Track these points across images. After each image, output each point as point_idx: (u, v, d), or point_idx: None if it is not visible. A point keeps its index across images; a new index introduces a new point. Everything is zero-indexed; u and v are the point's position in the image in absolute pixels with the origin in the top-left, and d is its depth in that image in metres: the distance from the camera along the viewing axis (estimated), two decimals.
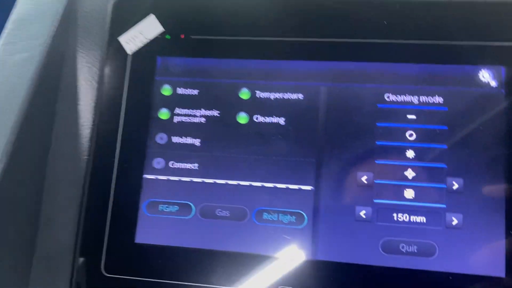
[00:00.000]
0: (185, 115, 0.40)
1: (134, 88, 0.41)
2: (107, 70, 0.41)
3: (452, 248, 0.35)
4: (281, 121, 0.39)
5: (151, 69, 0.41)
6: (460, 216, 0.36)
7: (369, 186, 0.37)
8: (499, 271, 0.35)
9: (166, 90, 0.41)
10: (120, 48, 0.41)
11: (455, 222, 0.36)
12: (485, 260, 0.35)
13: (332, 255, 0.37)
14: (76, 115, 0.41)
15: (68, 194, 0.40)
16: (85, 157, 0.41)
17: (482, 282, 0.35)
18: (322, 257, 0.37)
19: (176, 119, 0.40)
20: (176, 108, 0.40)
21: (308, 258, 0.37)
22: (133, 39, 0.41)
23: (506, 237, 0.35)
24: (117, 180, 0.40)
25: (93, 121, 0.41)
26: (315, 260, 0.37)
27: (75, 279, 0.39)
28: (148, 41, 0.42)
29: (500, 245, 0.35)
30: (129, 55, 0.41)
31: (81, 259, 0.39)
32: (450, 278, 0.35)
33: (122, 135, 0.40)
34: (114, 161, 0.40)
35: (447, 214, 0.36)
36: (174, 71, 0.41)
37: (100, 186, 0.40)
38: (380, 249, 0.36)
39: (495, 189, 0.35)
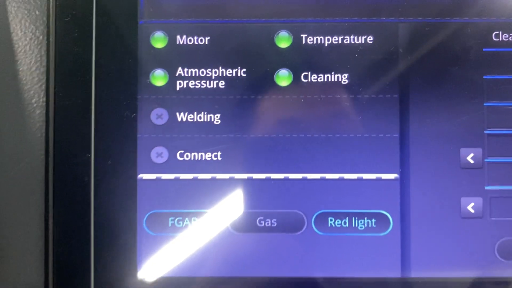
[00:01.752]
0: (192, 77, 0.27)
1: (108, 40, 0.27)
2: (59, 15, 0.27)
3: None
4: (344, 78, 0.27)
5: (131, 8, 0.27)
6: None
7: (478, 167, 0.26)
8: None
9: (159, 40, 0.27)
10: None
11: None
12: None
13: (431, 270, 0.27)
14: (17, 90, 0.27)
15: (23, 216, 0.27)
16: (41, 154, 0.27)
17: None
18: (417, 274, 0.27)
19: (180, 84, 0.27)
20: (178, 68, 0.27)
21: (398, 277, 0.26)
22: None
23: None
24: (97, 187, 0.27)
25: (46, 97, 0.27)
26: (408, 279, 0.27)
27: None
28: None
29: None
30: None
31: None
32: None
33: (97, 116, 0.27)
34: (89, 158, 0.26)
35: None
36: (168, 9, 0.28)
37: (72, 197, 0.27)
38: (497, 254, 0.27)
39: None
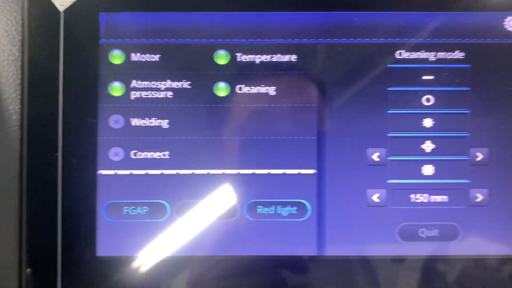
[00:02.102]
0: (145, 89, 0.33)
1: (73, 57, 0.33)
2: (32, 35, 0.32)
3: (477, 228, 0.32)
4: (271, 90, 0.32)
5: (93, 30, 0.32)
6: (486, 191, 0.32)
7: (382, 164, 0.32)
8: None
9: (117, 57, 0.33)
10: (49, 4, 0.32)
11: (479, 198, 0.33)
12: None
13: (342, 249, 0.33)
14: None
15: (0, 205, 0.32)
16: (16, 153, 0.32)
17: (511, 264, 0.32)
18: (331, 252, 0.33)
19: (134, 95, 0.33)
20: (133, 81, 0.33)
21: (314, 255, 0.32)
22: None
23: None
24: (64, 180, 0.32)
25: (21, 105, 0.32)
26: (322, 256, 0.32)
27: None
28: None
29: None
30: (61, 12, 0.32)
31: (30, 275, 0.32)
32: (477, 262, 0.32)
33: (64, 121, 0.32)
34: (56, 156, 0.32)
35: (471, 190, 0.32)
36: (125, 31, 0.33)
37: (42, 189, 0.32)
38: (397, 236, 0.32)
39: None
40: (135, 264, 0.32)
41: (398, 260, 0.32)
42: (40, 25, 0.32)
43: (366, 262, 0.32)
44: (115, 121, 0.33)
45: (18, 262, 0.32)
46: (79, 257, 0.32)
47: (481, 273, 0.32)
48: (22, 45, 0.32)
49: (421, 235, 0.32)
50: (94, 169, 0.32)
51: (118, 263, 0.32)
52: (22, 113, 0.32)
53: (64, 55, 0.32)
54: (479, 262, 0.32)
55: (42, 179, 0.32)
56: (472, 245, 0.32)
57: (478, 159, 0.32)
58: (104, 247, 0.32)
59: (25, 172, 0.32)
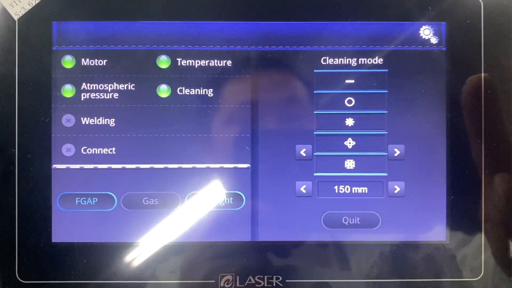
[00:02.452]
0: (93, 91, 0.36)
1: (28, 62, 0.36)
2: None
3: (395, 217, 0.36)
4: (209, 92, 0.36)
5: (46, 37, 0.36)
6: (402, 183, 0.36)
7: (309, 159, 0.36)
8: (441, 237, 0.36)
9: (68, 62, 0.36)
10: (4, 13, 0.35)
11: (397, 190, 0.36)
12: (427, 226, 0.36)
13: (273, 234, 0.36)
14: None
15: None
16: None
17: (424, 249, 0.36)
18: (263, 238, 0.36)
19: (84, 96, 0.36)
20: (83, 84, 0.36)
21: (248, 240, 0.36)
22: (18, 0, 0.35)
23: (448, 202, 0.35)
24: (20, 174, 0.35)
25: None
26: (256, 242, 0.36)
27: None
28: (38, 1, 0.35)
29: (441, 210, 0.36)
30: (16, 21, 0.35)
31: None
32: (394, 248, 0.36)
33: (19, 120, 0.35)
34: (13, 152, 0.35)
35: (389, 183, 0.36)
36: (75, 38, 0.36)
37: (0, 182, 0.35)
38: (322, 223, 0.36)
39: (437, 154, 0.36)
40: (87, 249, 0.36)
41: (323, 245, 0.36)
42: None
43: (294, 246, 0.36)
44: (67, 120, 0.36)
45: None
46: (35, 243, 0.36)
47: (398, 257, 0.36)
48: None
49: (344, 222, 0.36)
50: (48, 163, 0.36)
51: (71, 248, 0.36)
52: None
53: (19, 60, 0.35)
54: (395, 247, 0.36)
55: (0, 173, 0.35)
56: (390, 232, 0.36)
57: (395, 154, 0.36)
58: (58, 234, 0.36)
59: None
